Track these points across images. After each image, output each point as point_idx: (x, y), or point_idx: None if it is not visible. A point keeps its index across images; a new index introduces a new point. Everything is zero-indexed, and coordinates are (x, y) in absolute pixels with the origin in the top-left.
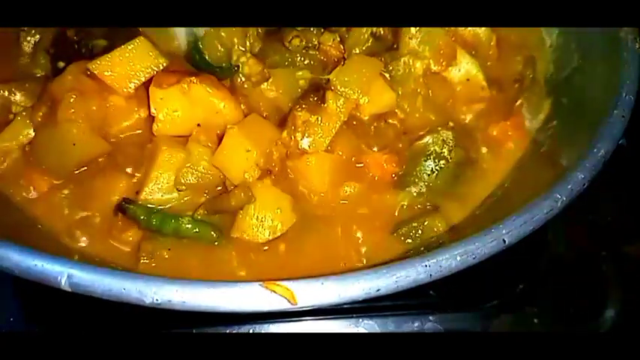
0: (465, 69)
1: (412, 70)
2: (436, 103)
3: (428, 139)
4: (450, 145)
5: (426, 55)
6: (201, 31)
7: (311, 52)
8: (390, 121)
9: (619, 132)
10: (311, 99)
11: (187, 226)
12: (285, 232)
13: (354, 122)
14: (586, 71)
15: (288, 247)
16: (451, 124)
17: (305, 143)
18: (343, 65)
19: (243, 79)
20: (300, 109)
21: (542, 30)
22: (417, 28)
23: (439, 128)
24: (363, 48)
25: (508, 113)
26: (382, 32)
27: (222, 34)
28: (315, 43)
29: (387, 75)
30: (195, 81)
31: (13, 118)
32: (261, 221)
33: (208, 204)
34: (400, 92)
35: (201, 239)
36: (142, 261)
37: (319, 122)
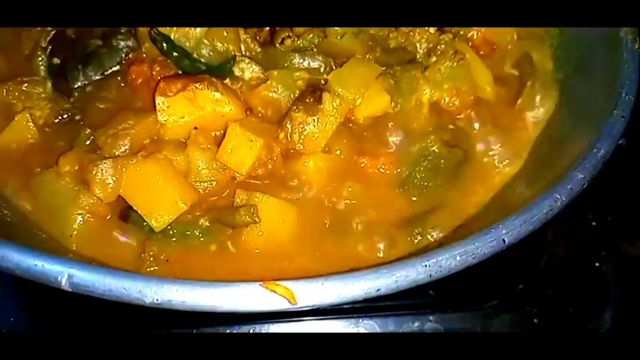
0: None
1: (418, 93)
2: (437, 107)
3: (428, 140)
4: (450, 145)
5: (444, 88)
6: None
7: (309, 52)
8: (390, 123)
9: (619, 132)
10: (307, 100)
11: (194, 232)
12: (291, 238)
13: (350, 124)
14: (586, 71)
15: (294, 251)
16: (451, 126)
17: (302, 144)
18: (342, 67)
19: (242, 81)
20: (296, 110)
21: (542, 29)
22: (452, 63)
23: (439, 130)
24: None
25: (510, 112)
26: (402, 41)
27: (221, 34)
28: (316, 42)
29: (391, 81)
30: (200, 87)
31: (12, 118)
32: (266, 236)
33: (214, 215)
34: (400, 102)
35: (205, 246)
36: (146, 264)
37: (316, 123)
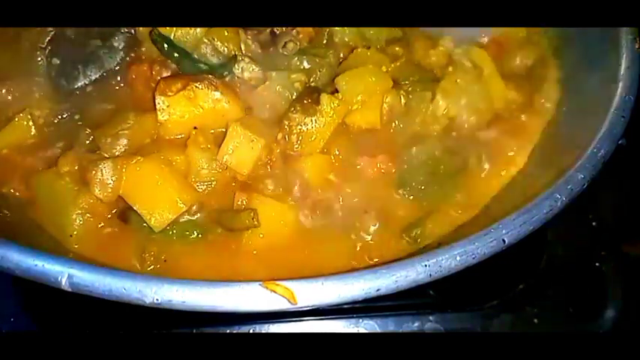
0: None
1: (430, 109)
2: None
3: (430, 144)
4: (452, 152)
5: (461, 104)
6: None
7: (308, 55)
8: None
9: (619, 132)
10: (305, 101)
11: (193, 232)
12: (291, 239)
13: (347, 126)
14: (586, 71)
15: (294, 252)
16: (454, 133)
17: (299, 144)
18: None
19: (241, 81)
20: (294, 111)
21: (543, 30)
22: (469, 76)
23: (442, 135)
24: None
25: (515, 114)
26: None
27: (221, 34)
28: (324, 41)
29: (402, 100)
30: (200, 86)
31: (12, 118)
32: (266, 237)
33: (214, 217)
34: (401, 123)
35: (205, 246)
36: (146, 264)
37: (313, 124)
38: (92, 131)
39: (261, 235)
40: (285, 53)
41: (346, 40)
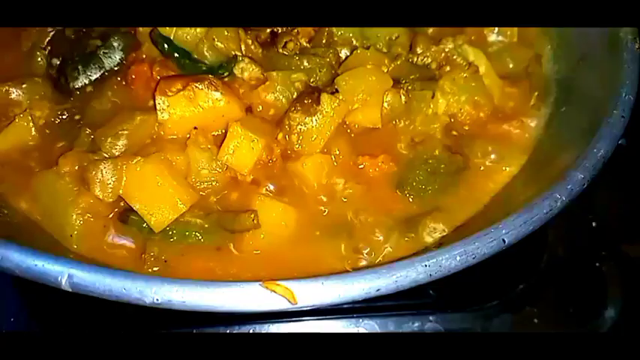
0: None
1: (430, 108)
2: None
3: (430, 143)
4: (452, 151)
5: (460, 100)
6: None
7: (307, 55)
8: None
9: (619, 132)
10: (306, 101)
11: (193, 232)
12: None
13: (347, 125)
14: (586, 71)
15: (295, 252)
16: (454, 132)
17: (300, 144)
18: (353, 70)
19: (241, 81)
20: (295, 111)
21: (542, 30)
22: (466, 74)
23: (442, 135)
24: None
25: (514, 113)
26: (427, 62)
27: (221, 33)
28: (324, 41)
29: (402, 98)
30: (200, 86)
31: (12, 119)
32: (267, 238)
33: (215, 217)
34: (400, 121)
35: (206, 247)
36: (147, 264)
37: (313, 123)
38: (92, 131)
39: (261, 236)
40: (285, 53)
41: (346, 39)
